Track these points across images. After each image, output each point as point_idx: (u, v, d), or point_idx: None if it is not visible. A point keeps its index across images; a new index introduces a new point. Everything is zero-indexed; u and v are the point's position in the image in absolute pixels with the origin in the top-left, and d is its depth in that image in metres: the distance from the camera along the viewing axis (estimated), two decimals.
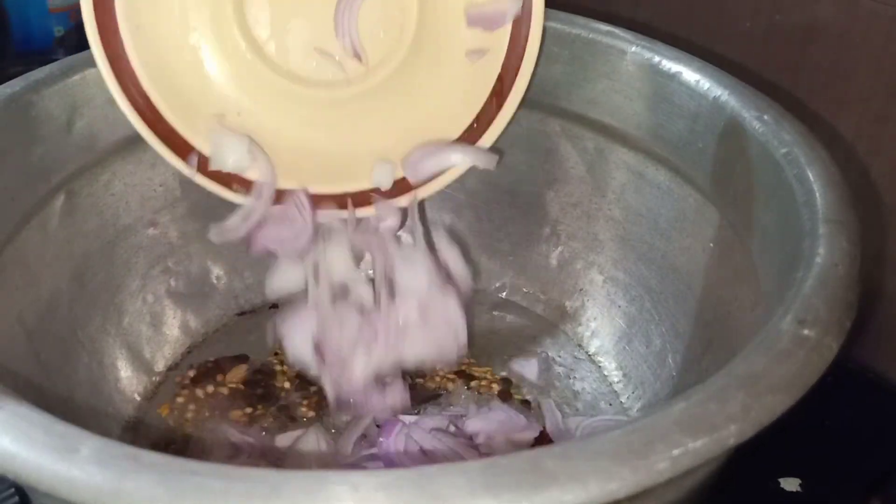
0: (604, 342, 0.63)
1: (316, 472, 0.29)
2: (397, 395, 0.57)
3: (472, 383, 0.61)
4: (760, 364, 0.34)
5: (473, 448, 0.55)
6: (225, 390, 0.60)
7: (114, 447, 0.30)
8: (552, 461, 0.29)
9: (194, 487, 0.28)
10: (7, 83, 0.52)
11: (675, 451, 0.30)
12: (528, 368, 0.62)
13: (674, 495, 0.36)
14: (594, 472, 0.29)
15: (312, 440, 0.56)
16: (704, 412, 0.32)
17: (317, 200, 0.57)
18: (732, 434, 0.31)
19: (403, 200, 0.58)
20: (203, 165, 0.56)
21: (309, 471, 0.29)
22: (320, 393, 0.58)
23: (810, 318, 0.36)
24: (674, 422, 0.31)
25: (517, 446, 0.55)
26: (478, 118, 0.58)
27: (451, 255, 0.59)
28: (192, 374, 0.61)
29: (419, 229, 0.58)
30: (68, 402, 0.53)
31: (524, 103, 0.61)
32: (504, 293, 0.68)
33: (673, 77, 0.55)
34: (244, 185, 0.57)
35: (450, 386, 0.61)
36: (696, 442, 0.30)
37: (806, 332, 0.36)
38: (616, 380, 0.61)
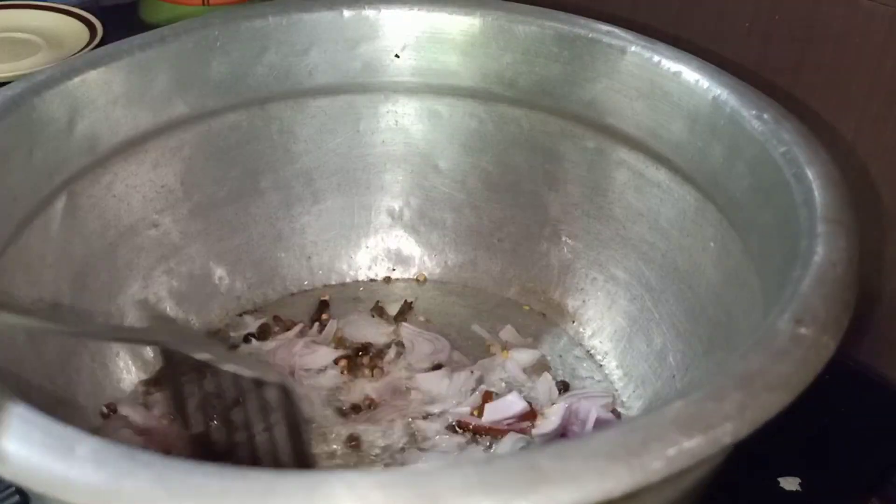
0: (604, 341, 0.63)
1: (313, 472, 0.29)
2: None
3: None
4: (757, 363, 0.34)
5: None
6: None
7: (111, 447, 0.30)
8: (548, 460, 0.29)
9: (192, 487, 0.29)
10: (9, 85, 0.52)
11: (671, 451, 0.30)
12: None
13: (672, 494, 0.36)
14: (590, 471, 0.29)
15: None
16: (700, 411, 0.32)
17: None
18: (728, 433, 0.31)
19: None
20: None
21: (306, 470, 0.29)
22: None
23: (808, 316, 0.36)
24: (670, 421, 0.31)
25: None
26: None
27: None
28: None
29: None
30: (70, 402, 0.53)
31: (525, 103, 0.62)
32: (505, 292, 0.68)
33: (673, 76, 0.55)
34: None
35: None
36: (691, 441, 0.30)
37: (803, 330, 0.36)
38: (617, 379, 0.61)
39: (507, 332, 0.65)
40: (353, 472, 0.29)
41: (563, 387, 0.60)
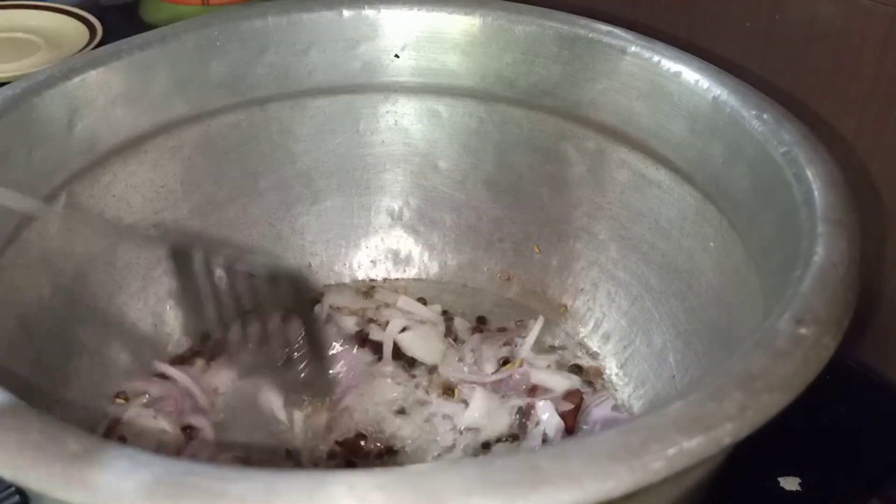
0: (605, 342, 0.63)
1: (313, 473, 0.29)
2: None
3: None
4: (758, 363, 0.34)
5: None
6: None
7: (109, 447, 0.30)
8: (548, 461, 0.29)
9: (192, 488, 0.28)
10: (8, 85, 0.52)
11: (671, 451, 0.30)
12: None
13: (673, 493, 0.36)
14: (590, 471, 0.29)
15: None
16: (701, 411, 0.32)
17: None
18: (729, 433, 0.31)
19: None
20: None
21: (306, 471, 0.29)
22: None
23: (808, 317, 0.36)
24: (670, 421, 0.31)
25: None
26: None
27: None
28: None
29: None
30: (70, 402, 0.53)
31: (525, 103, 0.61)
32: (505, 293, 0.68)
33: (673, 77, 0.55)
34: None
35: None
36: (691, 441, 0.30)
37: (803, 331, 0.36)
38: (616, 379, 0.61)
39: None
40: (354, 473, 0.29)
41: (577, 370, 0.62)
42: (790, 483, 0.54)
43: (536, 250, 0.67)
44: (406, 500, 0.28)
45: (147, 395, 0.58)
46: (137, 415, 0.57)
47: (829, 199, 0.43)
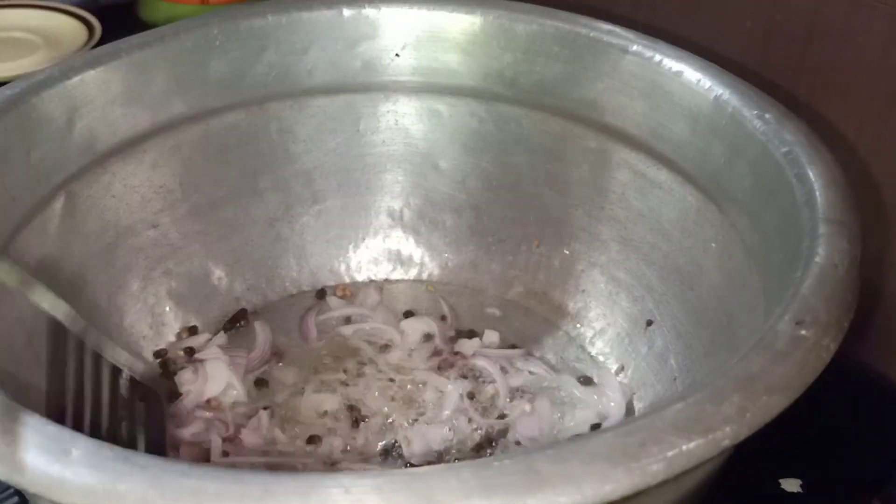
0: (605, 343, 0.63)
1: (309, 474, 0.29)
2: None
3: None
4: (757, 365, 0.34)
5: None
6: None
7: (106, 449, 0.30)
8: (546, 463, 0.29)
9: (187, 489, 0.28)
10: (7, 85, 0.52)
11: (670, 453, 0.30)
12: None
13: (673, 495, 0.36)
14: (588, 473, 0.29)
15: None
16: (700, 413, 0.31)
17: None
18: (728, 435, 0.31)
19: None
20: None
21: (302, 473, 0.29)
22: None
23: (808, 318, 0.36)
24: (669, 423, 0.31)
25: None
26: None
27: None
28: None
29: None
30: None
31: (526, 103, 0.61)
32: (506, 294, 0.68)
33: (674, 76, 0.55)
34: None
35: None
36: (690, 444, 0.30)
37: (804, 332, 0.36)
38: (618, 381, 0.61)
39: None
40: (349, 475, 0.29)
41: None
42: (791, 485, 0.54)
43: (536, 244, 0.66)
44: (402, 502, 0.28)
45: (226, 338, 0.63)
46: (213, 354, 0.60)
47: (830, 200, 0.43)
